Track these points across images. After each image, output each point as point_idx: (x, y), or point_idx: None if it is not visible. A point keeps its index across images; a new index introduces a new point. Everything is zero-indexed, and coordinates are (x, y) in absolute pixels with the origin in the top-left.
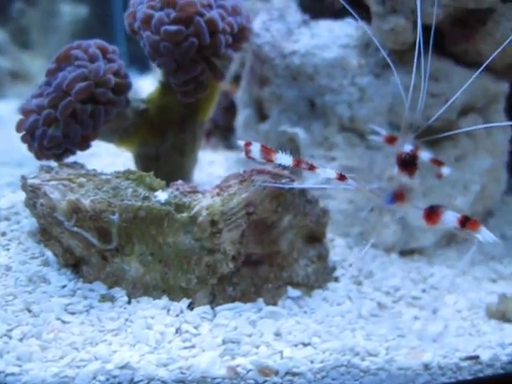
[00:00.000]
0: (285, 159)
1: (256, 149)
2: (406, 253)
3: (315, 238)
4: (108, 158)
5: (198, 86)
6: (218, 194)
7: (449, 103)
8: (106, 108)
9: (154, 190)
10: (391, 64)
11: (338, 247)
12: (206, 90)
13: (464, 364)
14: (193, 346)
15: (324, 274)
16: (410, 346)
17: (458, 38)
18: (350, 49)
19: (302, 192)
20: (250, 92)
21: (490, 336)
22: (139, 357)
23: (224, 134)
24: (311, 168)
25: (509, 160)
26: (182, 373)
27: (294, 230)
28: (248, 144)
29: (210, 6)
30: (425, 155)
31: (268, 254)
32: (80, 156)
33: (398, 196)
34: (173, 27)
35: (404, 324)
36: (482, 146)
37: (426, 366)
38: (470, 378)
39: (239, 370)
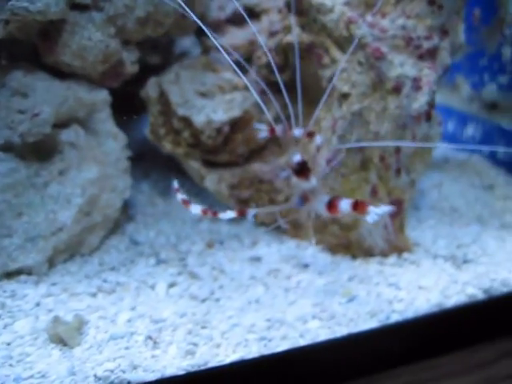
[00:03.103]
0: (196, 209)
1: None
2: (12, 275)
3: None
4: None
5: None
6: None
7: None
8: None
9: None
10: None
11: None
12: None
13: None
14: None
15: None
16: None
17: (45, 50)
18: None
19: None
20: None
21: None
22: None
23: None
24: (214, 214)
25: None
26: None
27: None
28: (185, 202)
29: None
30: (318, 139)
31: None
32: None
33: (305, 198)
34: None
35: None
36: (90, 157)
37: None
38: None
39: None
